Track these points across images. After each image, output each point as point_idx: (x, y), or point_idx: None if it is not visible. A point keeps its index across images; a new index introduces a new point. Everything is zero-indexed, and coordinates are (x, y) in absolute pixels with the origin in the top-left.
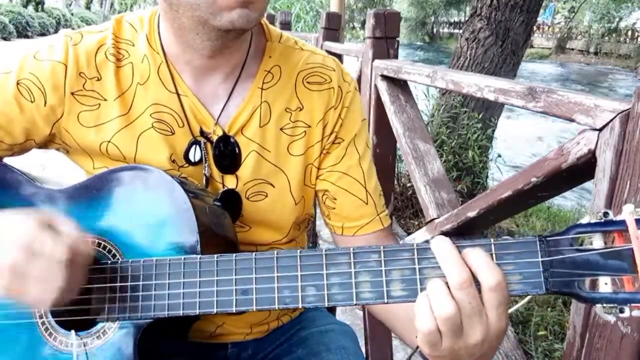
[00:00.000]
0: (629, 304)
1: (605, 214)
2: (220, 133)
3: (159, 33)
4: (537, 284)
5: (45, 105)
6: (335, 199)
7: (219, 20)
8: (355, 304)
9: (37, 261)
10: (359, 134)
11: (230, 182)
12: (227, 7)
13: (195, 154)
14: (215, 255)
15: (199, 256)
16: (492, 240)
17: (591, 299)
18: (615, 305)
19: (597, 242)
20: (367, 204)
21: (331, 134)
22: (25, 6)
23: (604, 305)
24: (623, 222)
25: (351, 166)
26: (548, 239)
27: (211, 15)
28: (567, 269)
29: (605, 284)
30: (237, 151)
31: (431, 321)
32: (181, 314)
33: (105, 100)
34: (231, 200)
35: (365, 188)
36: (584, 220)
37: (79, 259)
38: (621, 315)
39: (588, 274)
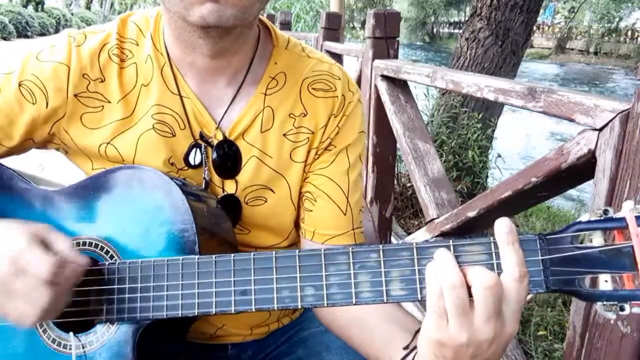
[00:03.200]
0: (629, 302)
1: (605, 212)
2: (220, 137)
3: (163, 34)
4: (537, 282)
5: (47, 107)
6: (315, 201)
7: (192, 15)
8: (355, 304)
9: (21, 278)
10: (353, 144)
11: (229, 187)
12: (196, 0)
13: (195, 158)
14: (214, 256)
15: (197, 257)
16: (491, 239)
17: (591, 296)
18: (616, 302)
19: (597, 239)
20: (345, 214)
21: (327, 139)
22: (25, 6)
23: (604, 303)
24: (623, 219)
25: (338, 173)
26: (548, 237)
27: (184, 10)
28: (567, 267)
29: (605, 282)
30: (237, 156)
31: (438, 286)
32: (180, 315)
33: (108, 102)
34: (231, 205)
35: (347, 199)
36: (584, 218)
37: (64, 279)
38: (621, 313)
39: (588, 272)
